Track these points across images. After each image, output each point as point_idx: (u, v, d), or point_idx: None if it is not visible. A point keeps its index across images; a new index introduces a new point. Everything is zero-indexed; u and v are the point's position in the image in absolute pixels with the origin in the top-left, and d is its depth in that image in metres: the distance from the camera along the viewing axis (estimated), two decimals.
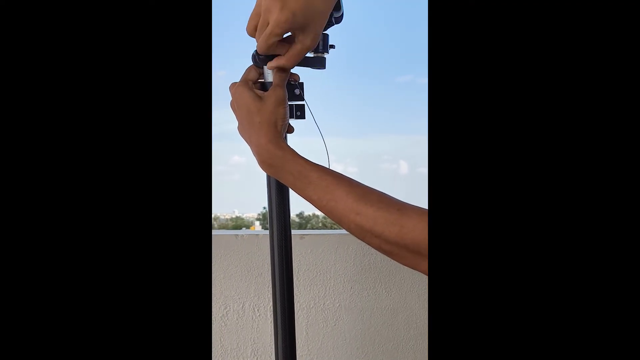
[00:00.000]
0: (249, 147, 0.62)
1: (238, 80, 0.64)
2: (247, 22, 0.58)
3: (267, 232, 0.70)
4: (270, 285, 1.09)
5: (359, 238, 0.53)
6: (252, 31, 0.58)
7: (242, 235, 1.10)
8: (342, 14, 0.64)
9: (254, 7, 0.57)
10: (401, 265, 0.51)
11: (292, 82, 0.64)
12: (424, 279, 1.08)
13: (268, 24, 0.55)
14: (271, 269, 0.68)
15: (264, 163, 0.60)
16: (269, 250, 0.68)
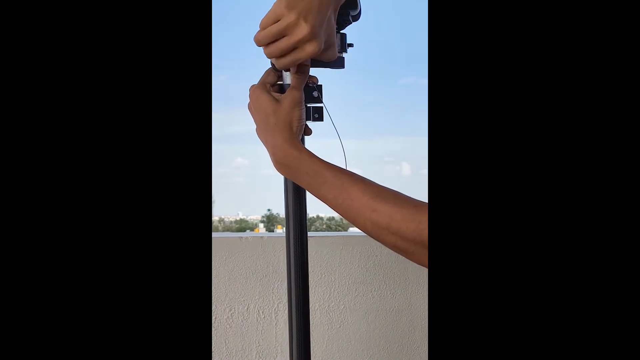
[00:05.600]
0: (265, 149, 0.62)
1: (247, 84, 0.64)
2: (258, 28, 0.55)
3: (272, 234, 0.71)
4: (277, 288, 1.09)
5: (374, 237, 0.53)
6: (265, 42, 0.55)
7: (247, 238, 1.10)
8: (359, 11, 0.64)
9: (268, 13, 0.53)
10: (406, 267, 0.51)
11: (310, 85, 0.64)
12: None
13: (294, 46, 0.53)
14: (287, 271, 0.68)
15: (279, 163, 0.60)
16: (285, 252, 0.68)
